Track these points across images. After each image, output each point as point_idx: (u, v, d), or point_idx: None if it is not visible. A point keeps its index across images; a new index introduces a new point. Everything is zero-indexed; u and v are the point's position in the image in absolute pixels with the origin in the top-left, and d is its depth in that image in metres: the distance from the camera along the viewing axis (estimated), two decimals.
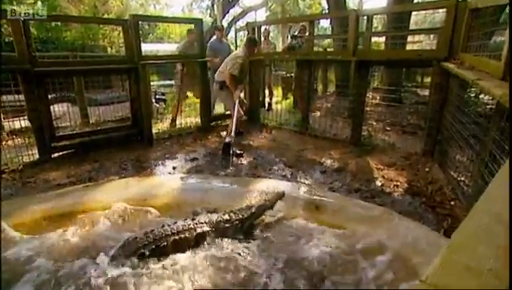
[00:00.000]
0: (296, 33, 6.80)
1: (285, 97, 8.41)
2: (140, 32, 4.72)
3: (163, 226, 2.25)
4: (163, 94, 7.51)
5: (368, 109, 5.31)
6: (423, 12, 6.11)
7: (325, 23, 20.63)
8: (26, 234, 2.45)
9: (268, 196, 2.81)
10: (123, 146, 4.61)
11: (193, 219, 2.36)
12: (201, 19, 5.44)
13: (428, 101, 4.16)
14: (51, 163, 3.99)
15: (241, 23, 18.92)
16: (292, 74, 7.17)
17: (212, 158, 4.27)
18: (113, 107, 5.89)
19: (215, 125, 5.71)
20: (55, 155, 4.18)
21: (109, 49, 13.58)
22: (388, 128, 5.47)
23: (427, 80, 8.83)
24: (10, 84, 4.50)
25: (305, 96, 5.41)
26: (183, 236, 2.21)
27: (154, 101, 6.55)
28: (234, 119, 4.45)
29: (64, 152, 4.27)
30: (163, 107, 7.14)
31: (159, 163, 4.14)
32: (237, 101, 4.49)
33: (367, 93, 4.87)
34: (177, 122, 5.78)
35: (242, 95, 4.62)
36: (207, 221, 2.37)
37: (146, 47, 4.67)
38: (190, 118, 5.97)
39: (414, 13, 6.58)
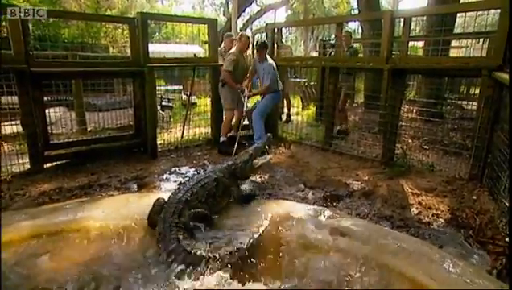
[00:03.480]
0: (327, 39, 6.91)
1: (305, 108, 8.44)
2: None
3: (180, 186, 2.97)
4: (169, 100, 7.62)
5: (402, 124, 5.24)
6: (470, 14, 6.03)
7: (352, 25, 20.78)
8: (14, 253, 2.49)
9: (259, 141, 3.83)
10: (124, 157, 4.69)
11: (205, 170, 3.32)
12: (216, 19, 5.58)
13: (476, 117, 4.07)
14: (43, 174, 4.08)
15: (258, 24, 19.34)
16: (315, 82, 7.19)
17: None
18: (113, 113, 6.00)
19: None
20: (48, 165, 4.28)
21: (110, 49, 13.99)
22: (426, 147, 5.39)
23: (474, 91, 8.66)
24: (3, 86, 4.67)
25: (329, 107, 5.39)
26: (203, 183, 2.98)
27: (159, 107, 6.65)
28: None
29: (58, 162, 4.36)
30: (169, 115, 7.24)
31: (164, 178, 4.18)
32: (245, 98, 5.31)
33: (402, 106, 4.81)
34: (184, 133, 5.84)
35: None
36: (217, 169, 3.27)
37: (152, 48, 4.78)
38: (199, 129, 6.04)
39: (458, 14, 6.53)
